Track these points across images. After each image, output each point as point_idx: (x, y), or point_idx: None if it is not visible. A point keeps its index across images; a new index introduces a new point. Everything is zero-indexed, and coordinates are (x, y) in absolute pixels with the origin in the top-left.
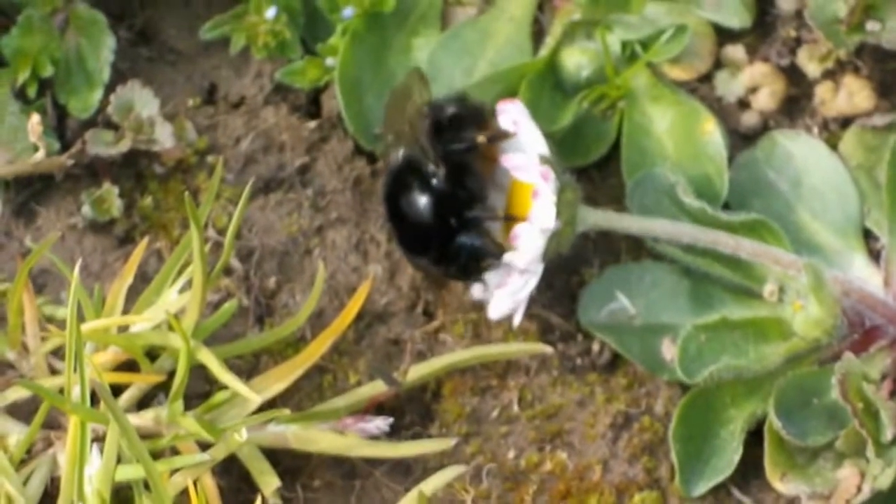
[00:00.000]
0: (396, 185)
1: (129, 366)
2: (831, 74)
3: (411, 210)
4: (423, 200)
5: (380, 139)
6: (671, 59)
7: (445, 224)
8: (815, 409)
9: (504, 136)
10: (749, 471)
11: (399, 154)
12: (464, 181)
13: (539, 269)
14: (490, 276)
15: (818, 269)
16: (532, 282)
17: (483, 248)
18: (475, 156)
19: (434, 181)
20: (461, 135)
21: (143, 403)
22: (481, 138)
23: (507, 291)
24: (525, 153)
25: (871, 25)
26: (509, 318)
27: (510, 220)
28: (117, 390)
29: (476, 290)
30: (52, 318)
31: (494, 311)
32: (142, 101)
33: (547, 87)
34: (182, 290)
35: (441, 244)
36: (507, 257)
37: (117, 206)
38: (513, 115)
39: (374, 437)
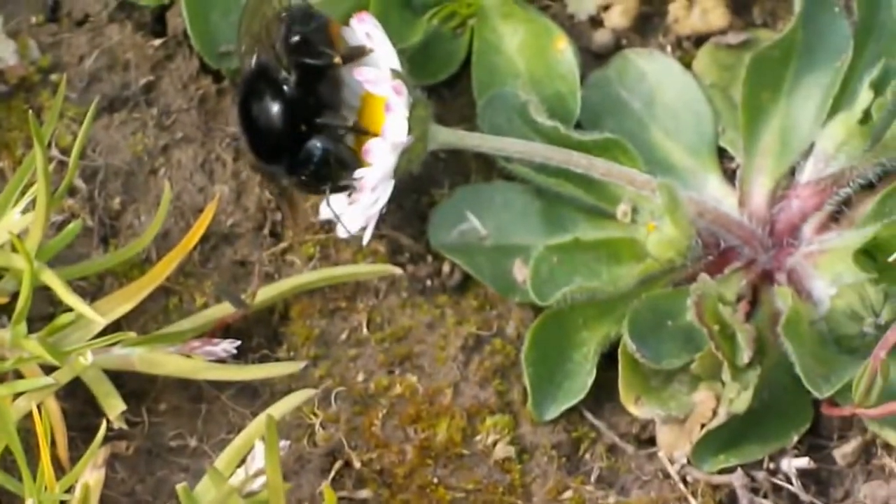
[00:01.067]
0: (249, 92)
1: None
2: None
3: (263, 116)
4: (274, 107)
5: (228, 55)
6: None
7: (297, 130)
8: (670, 332)
9: (361, 52)
10: (603, 394)
11: (251, 59)
12: (316, 89)
13: (390, 185)
14: (339, 196)
15: (672, 189)
16: (383, 198)
17: (335, 151)
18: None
19: (286, 88)
20: (316, 47)
21: None
22: (338, 58)
23: (358, 208)
24: (377, 67)
25: None
26: (358, 239)
27: (361, 132)
28: None
29: (325, 210)
30: None
31: (343, 230)
32: None
33: (395, 4)
34: (25, 211)
35: (292, 150)
36: (357, 173)
37: None
38: (366, 28)
39: (220, 360)
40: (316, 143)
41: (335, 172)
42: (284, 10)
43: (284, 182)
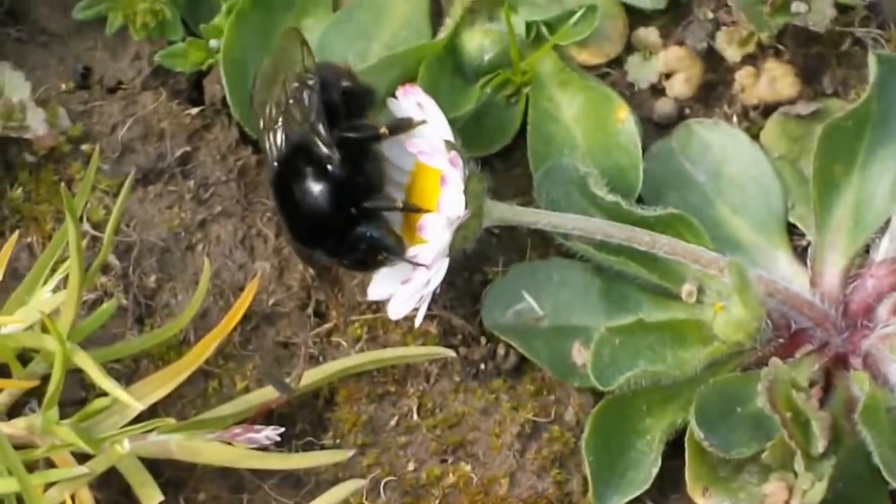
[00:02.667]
0: (286, 171)
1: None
2: (752, 59)
3: (304, 199)
4: (317, 188)
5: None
6: (580, 41)
7: (343, 214)
8: (739, 419)
9: (409, 124)
10: (668, 485)
11: (279, 133)
12: (361, 167)
13: (444, 263)
14: (388, 273)
15: (742, 268)
16: (437, 278)
17: (383, 240)
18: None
19: (329, 167)
20: (357, 118)
21: (13, 411)
22: (384, 129)
23: (410, 289)
24: (430, 138)
25: (797, 6)
26: (408, 319)
27: (413, 210)
28: None
29: (374, 289)
30: None
31: (395, 311)
32: (11, 84)
33: (447, 72)
34: (56, 289)
35: (337, 235)
36: (411, 251)
37: None
38: (417, 98)
39: (263, 448)
40: (364, 230)
41: (384, 259)
42: (310, 71)
43: (327, 263)
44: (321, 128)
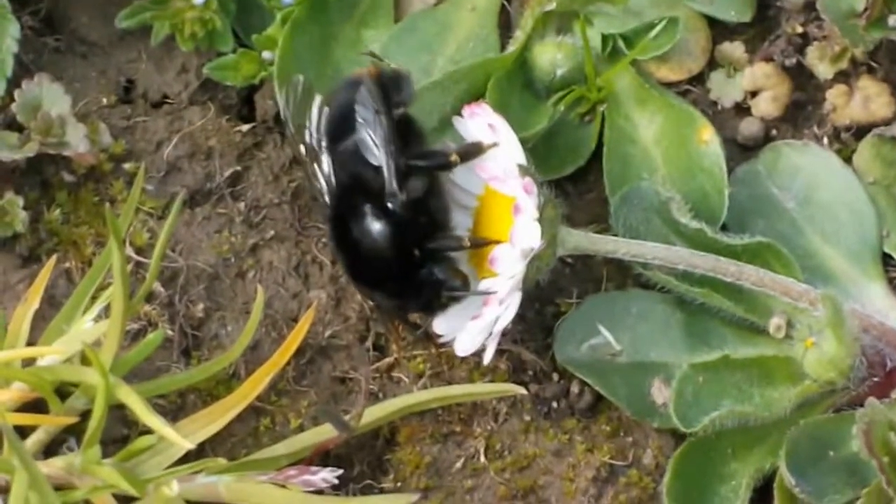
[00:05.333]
0: (342, 207)
1: (36, 405)
2: (844, 76)
3: (364, 239)
4: (378, 229)
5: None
6: (659, 56)
7: (406, 256)
8: (832, 463)
9: (481, 148)
10: None
11: (326, 161)
12: (426, 203)
13: (517, 297)
14: (456, 307)
15: (837, 301)
16: (509, 312)
17: (449, 282)
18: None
19: (391, 205)
20: (418, 144)
21: (51, 449)
22: (455, 156)
23: (480, 324)
24: (502, 162)
25: (894, 20)
26: (476, 354)
27: (482, 244)
28: (21, 433)
29: (440, 324)
30: None
31: (463, 347)
32: (50, 98)
33: (517, 88)
34: (97, 319)
35: (400, 278)
36: (481, 284)
37: (21, 220)
38: (488, 119)
39: (319, 491)
40: (428, 274)
41: (447, 300)
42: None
43: (390, 307)
44: (392, 164)
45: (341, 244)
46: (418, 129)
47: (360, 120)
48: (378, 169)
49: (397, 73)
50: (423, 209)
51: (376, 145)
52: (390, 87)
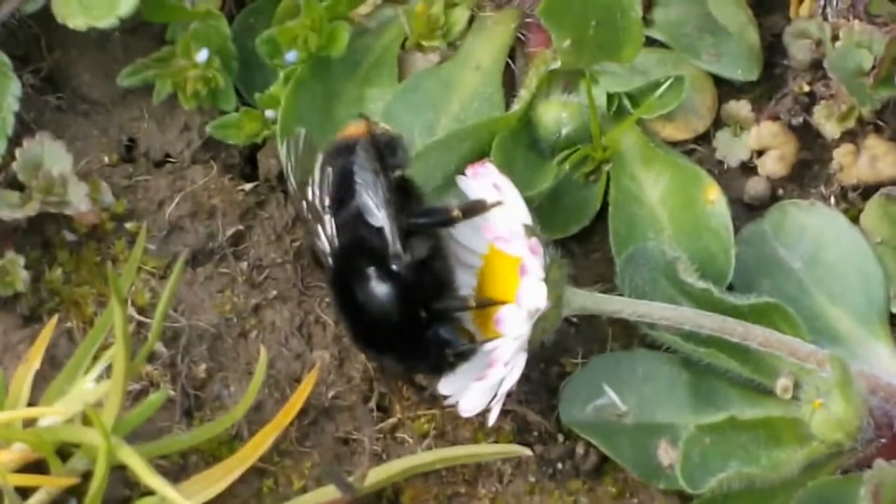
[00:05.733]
0: (344, 270)
1: (37, 466)
2: (851, 136)
3: (368, 303)
4: (382, 292)
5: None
6: (665, 115)
7: (413, 318)
8: None
9: (484, 206)
10: None
11: (329, 222)
12: (430, 263)
13: (523, 358)
14: (462, 367)
15: (844, 363)
16: (514, 374)
17: (456, 343)
18: (437, 229)
19: (395, 267)
20: (417, 205)
21: None
22: (457, 212)
23: (485, 385)
24: (507, 222)
25: None
26: (481, 414)
27: (488, 305)
28: (22, 494)
29: (444, 385)
30: None
31: (467, 408)
32: (51, 156)
33: (521, 147)
34: (99, 379)
35: (407, 341)
36: (489, 346)
37: (22, 279)
38: (492, 179)
39: None
40: (434, 335)
41: (454, 361)
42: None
43: (397, 371)
44: (394, 227)
45: (346, 308)
46: (417, 191)
47: (359, 181)
48: (380, 231)
49: (391, 136)
50: (427, 270)
51: (377, 207)
52: (385, 149)
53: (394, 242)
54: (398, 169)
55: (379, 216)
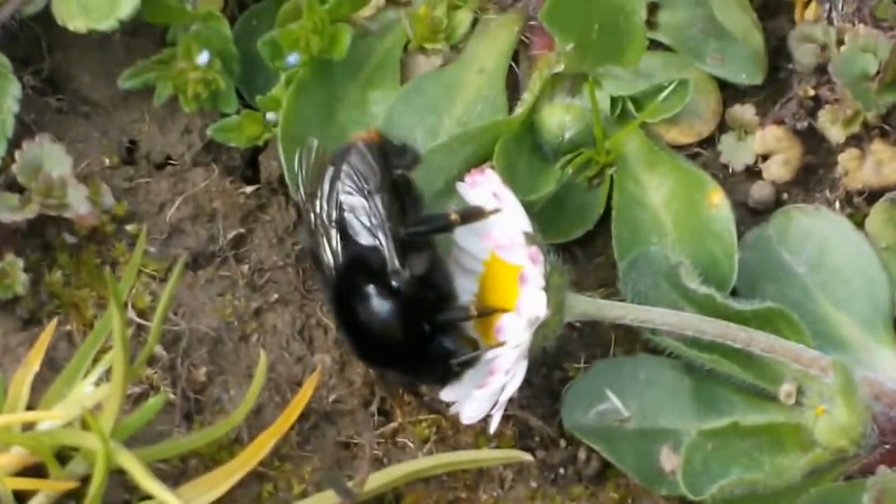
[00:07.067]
0: (346, 287)
1: (36, 470)
2: (857, 140)
3: (371, 320)
4: (385, 309)
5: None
6: (669, 119)
7: (416, 332)
8: None
9: (482, 212)
10: None
11: (335, 237)
12: (430, 276)
13: (523, 366)
14: (463, 376)
15: (848, 369)
16: (515, 381)
17: (460, 353)
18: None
19: (395, 283)
20: (415, 209)
21: None
22: (455, 216)
23: (486, 392)
24: (508, 230)
25: None
26: (482, 419)
27: (489, 313)
28: (21, 498)
29: (445, 391)
30: None
31: (468, 415)
32: (51, 159)
33: (524, 151)
34: (98, 382)
35: (410, 354)
36: (489, 353)
37: (21, 281)
38: (491, 186)
39: None
40: (438, 348)
41: (459, 371)
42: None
43: (402, 383)
44: (391, 242)
45: (348, 324)
46: (417, 194)
47: (345, 207)
48: (378, 247)
49: (401, 141)
50: (428, 283)
51: (368, 228)
52: (392, 151)
53: (391, 259)
54: (401, 169)
55: (371, 235)
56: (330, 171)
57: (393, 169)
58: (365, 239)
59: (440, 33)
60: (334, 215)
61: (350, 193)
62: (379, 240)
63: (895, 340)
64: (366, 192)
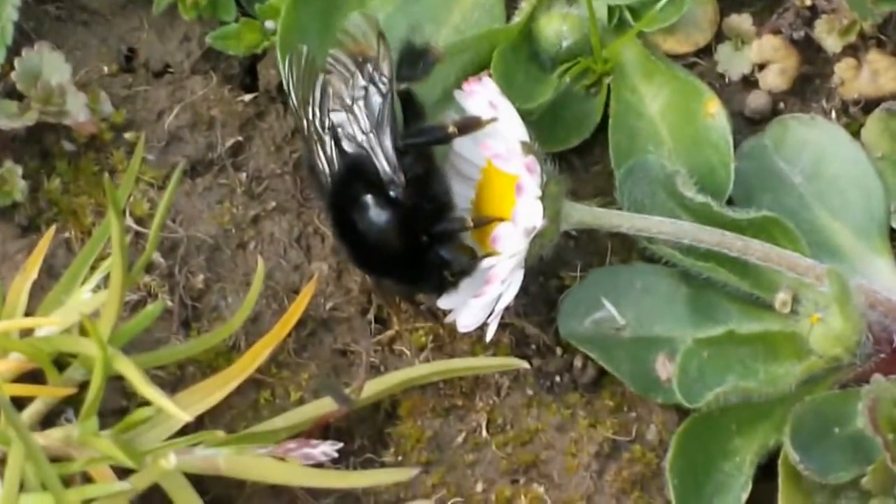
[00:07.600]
0: (343, 196)
1: (34, 376)
2: (853, 50)
3: (369, 231)
4: (383, 220)
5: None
6: (666, 28)
7: (414, 242)
8: (837, 440)
9: (479, 122)
10: None
11: (329, 143)
12: (428, 186)
13: (520, 275)
14: (460, 285)
15: (842, 277)
16: (511, 290)
17: (457, 262)
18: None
19: (393, 193)
20: (416, 119)
21: (48, 420)
22: (453, 128)
23: (482, 301)
24: (505, 140)
25: None
26: (478, 328)
27: (486, 222)
28: (19, 404)
29: (443, 300)
30: None
31: (464, 324)
32: (50, 66)
33: (522, 59)
34: (96, 289)
35: (408, 264)
36: (486, 262)
37: (20, 189)
38: (488, 96)
39: (318, 465)
40: (435, 257)
41: (455, 279)
42: (384, 74)
43: (400, 292)
44: (389, 148)
45: (345, 233)
46: (418, 105)
47: (358, 97)
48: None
49: (419, 48)
50: (425, 193)
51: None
52: (404, 60)
53: (384, 169)
54: (406, 81)
55: (378, 137)
56: (321, 78)
57: (398, 81)
58: (361, 139)
59: None
60: (327, 122)
61: (366, 87)
62: (374, 150)
63: (890, 249)
64: (381, 91)
